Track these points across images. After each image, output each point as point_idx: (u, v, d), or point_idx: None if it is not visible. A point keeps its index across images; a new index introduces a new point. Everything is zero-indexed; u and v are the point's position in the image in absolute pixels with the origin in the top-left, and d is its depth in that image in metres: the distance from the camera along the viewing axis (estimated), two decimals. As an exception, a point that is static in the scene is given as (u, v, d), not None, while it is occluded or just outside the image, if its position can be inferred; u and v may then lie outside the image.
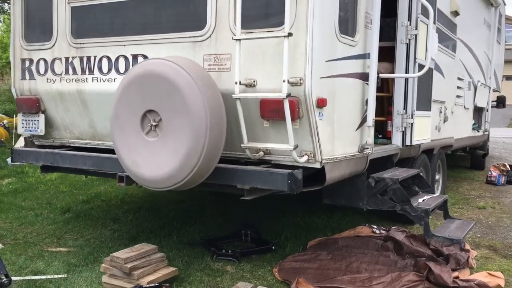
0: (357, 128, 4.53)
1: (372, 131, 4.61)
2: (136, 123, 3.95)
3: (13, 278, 4.14)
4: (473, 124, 9.07)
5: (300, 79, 3.74)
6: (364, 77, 4.57)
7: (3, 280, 3.92)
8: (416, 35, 5.21)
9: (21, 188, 7.91)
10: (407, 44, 5.22)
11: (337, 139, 4.17)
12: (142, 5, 4.53)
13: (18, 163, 5.48)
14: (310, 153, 3.91)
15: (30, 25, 5.25)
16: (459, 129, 7.93)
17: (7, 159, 9.28)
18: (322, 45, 3.88)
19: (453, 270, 4.31)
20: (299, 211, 6.44)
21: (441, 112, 6.73)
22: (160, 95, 3.80)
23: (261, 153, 4.04)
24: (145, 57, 4.46)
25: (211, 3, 4.11)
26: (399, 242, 4.79)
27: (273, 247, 5.04)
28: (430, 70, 5.83)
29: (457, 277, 4.21)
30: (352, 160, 4.46)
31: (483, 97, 9.39)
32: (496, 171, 9.11)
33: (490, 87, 9.94)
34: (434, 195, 5.24)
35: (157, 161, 3.84)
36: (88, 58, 4.82)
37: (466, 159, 10.98)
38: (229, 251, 4.88)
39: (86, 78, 4.85)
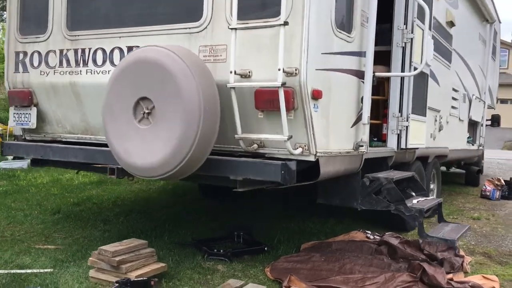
0: (352, 125, 4.51)
1: (367, 129, 4.58)
2: (129, 111, 3.91)
3: (-3, 271, 4.04)
4: (468, 137, 9.09)
5: (296, 69, 3.73)
6: (360, 75, 4.57)
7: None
8: (412, 39, 5.24)
9: (11, 190, 7.78)
10: (403, 47, 5.24)
11: (332, 133, 4.14)
12: None
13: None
14: (305, 145, 3.88)
15: (25, 18, 5.24)
16: (454, 140, 7.93)
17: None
18: (318, 36, 3.88)
19: (448, 273, 4.23)
20: (293, 216, 6.36)
21: (436, 120, 6.74)
22: (154, 82, 3.78)
23: (255, 145, 4.00)
24: (140, 49, 4.44)
25: None
26: (393, 246, 4.71)
27: (265, 248, 4.96)
28: (425, 76, 5.85)
29: (451, 279, 4.13)
30: (346, 157, 4.42)
31: (478, 111, 9.44)
32: (490, 185, 9.08)
33: (485, 102, 9.99)
34: (429, 198, 5.20)
35: (149, 148, 3.79)
36: (83, 50, 4.80)
37: (461, 176, 10.98)
38: (221, 251, 4.80)
39: (80, 71, 4.82)
